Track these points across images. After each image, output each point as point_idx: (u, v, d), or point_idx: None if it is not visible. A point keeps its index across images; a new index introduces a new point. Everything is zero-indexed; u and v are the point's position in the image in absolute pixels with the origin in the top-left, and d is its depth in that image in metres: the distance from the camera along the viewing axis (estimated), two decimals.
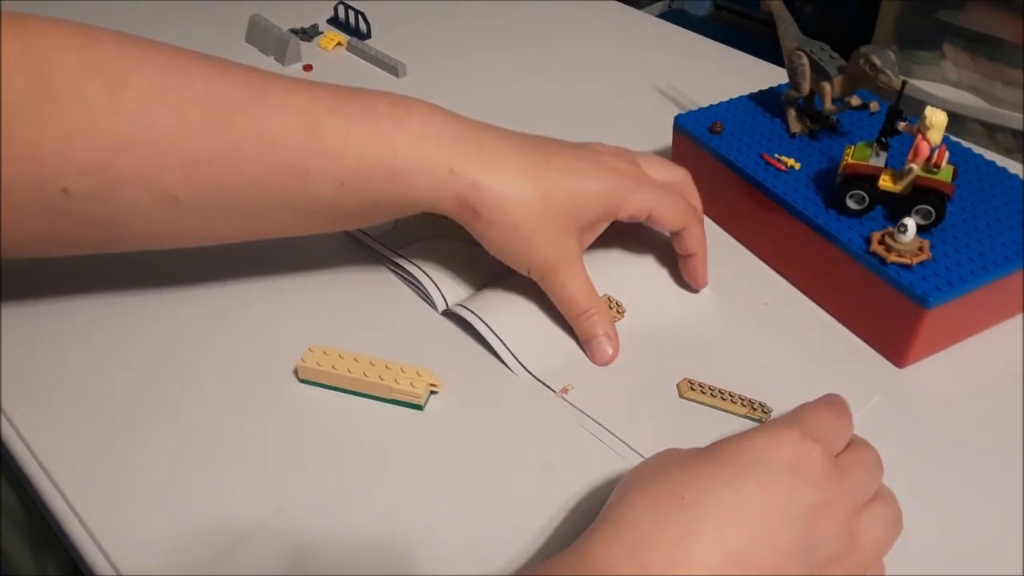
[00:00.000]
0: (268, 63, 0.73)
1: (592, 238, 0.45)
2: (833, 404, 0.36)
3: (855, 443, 0.35)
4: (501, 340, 0.44)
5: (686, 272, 0.48)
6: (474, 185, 0.41)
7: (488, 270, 0.49)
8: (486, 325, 0.45)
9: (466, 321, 0.45)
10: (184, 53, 0.40)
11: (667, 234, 0.48)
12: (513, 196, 0.41)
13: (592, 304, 0.44)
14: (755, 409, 0.42)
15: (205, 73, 0.39)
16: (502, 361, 0.44)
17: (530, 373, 0.44)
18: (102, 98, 0.37)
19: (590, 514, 0.37)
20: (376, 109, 0.41)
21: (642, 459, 0.38)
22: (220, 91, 0.39)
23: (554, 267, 0.43)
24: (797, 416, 0.34)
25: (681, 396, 0.43)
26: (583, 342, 0.45)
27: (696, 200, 0.49)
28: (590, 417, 0.41)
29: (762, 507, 0.30)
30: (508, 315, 0.46)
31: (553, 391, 0.43)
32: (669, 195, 0.45)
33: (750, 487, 0.30)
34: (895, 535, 0.33)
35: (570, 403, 0.42)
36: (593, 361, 0.45)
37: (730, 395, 0.42)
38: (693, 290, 0.49)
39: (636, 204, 0.44)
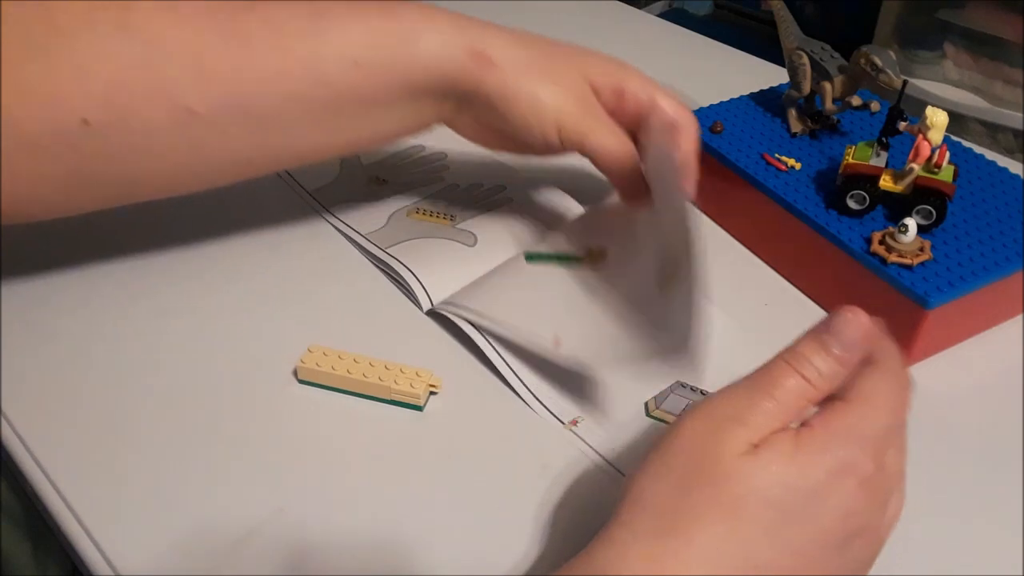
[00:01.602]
0: None
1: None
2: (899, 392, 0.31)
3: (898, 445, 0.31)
4: (504, 359, 0.43)
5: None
6: (482, 37, 0.42)
7: (477, 271, 0.48)
8: (488, 342, 0.44)
9: (466, 320, 0.45)
10: None
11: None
12: (524, 45, 0.44)
13: (630, 154, 0.45)
14: None
15: None
16: (502, 361, 0.44)
17: (536, 398, 0.42)
18: (110, 21, 0.37)
19: (591, 514, 0.37)
20: None
21: (621, 475, 0.38)
22: None
23: (580, 118, 0.44)
24: (833, 434, 0.30)
25: (648, 415, 0.41)
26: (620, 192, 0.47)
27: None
28: (588, 444, 0.40)
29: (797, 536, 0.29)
30: (503, 317, 0.45)
31: (562, 423, 0.41)
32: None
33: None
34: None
35: (577, 435, 0.41)
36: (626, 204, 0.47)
37: None
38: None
39: (638, 82, 0.45)
